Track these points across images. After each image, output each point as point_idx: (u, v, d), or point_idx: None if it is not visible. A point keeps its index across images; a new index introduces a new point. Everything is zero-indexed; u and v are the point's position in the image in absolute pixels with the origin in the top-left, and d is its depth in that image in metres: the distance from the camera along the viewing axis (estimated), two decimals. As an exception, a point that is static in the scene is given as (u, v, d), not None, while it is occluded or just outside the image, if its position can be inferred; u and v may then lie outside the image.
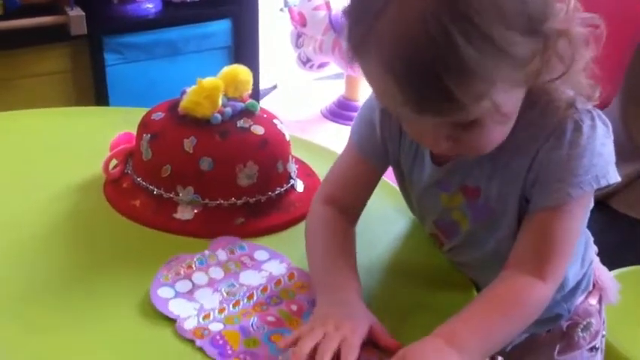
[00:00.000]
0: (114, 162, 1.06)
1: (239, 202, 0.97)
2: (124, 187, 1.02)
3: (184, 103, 1.00)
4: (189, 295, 0.82)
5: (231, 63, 2.48)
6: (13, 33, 2.04)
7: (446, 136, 0.71)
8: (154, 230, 0.95)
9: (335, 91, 3.00)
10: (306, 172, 1.09)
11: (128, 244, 0.93)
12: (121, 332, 0.77)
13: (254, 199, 0.98)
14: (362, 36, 0.67)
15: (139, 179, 1.00)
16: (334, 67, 2.86)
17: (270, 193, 0.99)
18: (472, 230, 0.85)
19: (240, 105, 1.03)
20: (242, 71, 1.07)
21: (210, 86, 1.01)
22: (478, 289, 0.88)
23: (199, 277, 0.85)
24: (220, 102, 1.01)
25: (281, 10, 3.56)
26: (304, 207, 0.99)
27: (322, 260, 0.82)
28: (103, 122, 1.25)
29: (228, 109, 1.01)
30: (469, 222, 0.84)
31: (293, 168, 1.05)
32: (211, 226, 0.95)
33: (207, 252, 0.89)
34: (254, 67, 2.34)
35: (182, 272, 0.85)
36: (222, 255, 0.89)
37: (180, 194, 0.97)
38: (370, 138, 0.87)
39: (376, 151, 0.87)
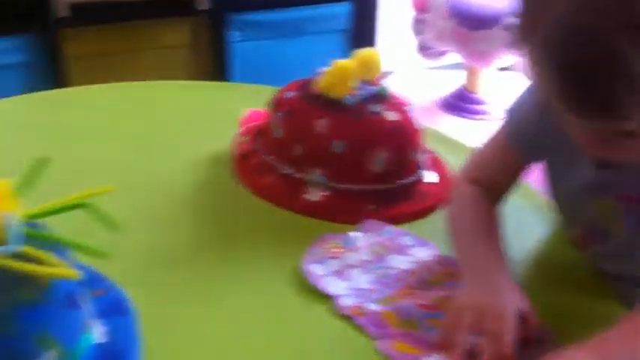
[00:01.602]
0: (243, 138, 1.08)
1: (369, 187, 0.97)
2: (253, 164, 1.03)
3: (320, 83, 1.00)
4: (339, 274, 0.83)
5: (348, 46, 2.50)
6: (141, 4, 2.11)
7: (601, 140, 0.69)
8: (280, 209, 0.96)
9: (453, 81, 2.95)
10: (435, 163, 1.08)
11: (257, 220, 0.95)
12: (267, 306, 0.79)
13: (385, 186, 0.97)
14: (532, 22, 0.65)
15: (268, 157, 1.02)
16: (454, 55, 2.82)
17: (400, 180, 0.99)
18: (626, 240, 0.82)
19: (372, 88, 1.02)
20: (375, 54, 1.06)
21: (344, 67, 1.01)
22: (618, 297, 0.85)
23: (349, 258, 0.86)
24: (353, 84, 1.01)
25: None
26: (435, 198, 0.98)
27: (470, 238, 0.83)
28: (231, 98, 1.28)
29: (362, 92, 1.01)
30: (624, 231, 0.81)
31: (423, 157, 1.04)
32: (340, 210, 0.95)
33: (353, 233, 0.89)
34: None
35: (331, 252, 0.86)
36: (369, 238, 0.89)
37: (309, 175, 0.97)
38: (525, 128, 0.85)
39: (529, 143, 0.85)
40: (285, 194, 0.98)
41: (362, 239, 0.89)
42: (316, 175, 0.97)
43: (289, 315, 0.78)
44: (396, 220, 0.94)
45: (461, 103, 2.81)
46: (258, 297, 0.80)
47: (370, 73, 1.05)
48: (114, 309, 0.73)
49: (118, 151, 1.08)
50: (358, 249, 0.87)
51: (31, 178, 0.65)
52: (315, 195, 0.97)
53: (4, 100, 1.24)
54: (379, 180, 0.97)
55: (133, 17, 2.14)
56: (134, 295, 0.75)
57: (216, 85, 1.45)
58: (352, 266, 0.84)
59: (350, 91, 1.00)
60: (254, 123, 1.09)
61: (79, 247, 0.63)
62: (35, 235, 0.61)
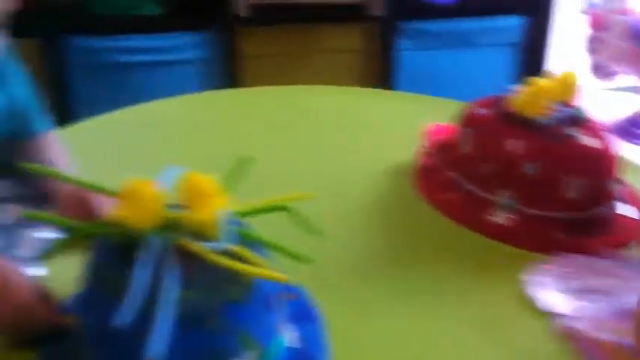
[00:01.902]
0: (426, 151, 1.06)
1: (561, 215, 0.92)
2: (435, 179, 1.01)
3: (514, 101, 0.97)
4: (571, 293, 0.80)
5: (517, 61, 2.43)
6: (317, 8, 2.15)
7: None
8: (463, 227, 0.94)
9: (627, 105, 2.80)
10: (630, 194, 1.02)
11: (438, 236, 0.93)
12: (451, 321, 0.77)
13: (577, 214, 0.93)
14: None
15: (452, 173, 0.99)
16: (629, 78, 2.67)
17: (594, 210, 0.94)
18: None
19: (568, 110, 0.98)
20: (573, 75, 1.02)
21: (542, 87, 0.97)
22: None
23: (583, 280, 0.83)
24: (549, 105, 0.97)
25: (582, 12, 3.39)
26: (631, 232, 0.93)
27: None
28: (412, 108, 1.27)
29: (557, 114, 0.96)
30: None
31: (618, 187, 0.98)
32: (528, 236, 0.91)
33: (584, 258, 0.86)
34: (541, 68, 2.26)
35: (562, 272, 0.83)
36: (594, 264, 0.86)
37: (497, 196, 0.94)
38: None
39: None
40: (468, 213, 0.95)
41: (589, 265, 0.85)
42: (504, 196, 0.94)
43: (502, 330, 0.76)
44: (587, 253, 0.89)
45: (635, 130, 2.66)
46: (441, 311, 0.79)
47: (567, 95, 1.00)
48: (303, 314, 0.73)
49: (299, 155, 1.09)
50: (587, 274, 0.83)
51: (234, 176, 0.66)
52: (501, 217, 0.94)
53: (187, 96, 1.30)
54: (572, 207, 0.92)
55: (308, 20, 2.18)
56: (320, 302, 0.75)
57: (395, 95, 1.44)
58: (584, 290, 0.80)
59: (545, 112, 0.96)
60: (438, 137, 1.07)
61: (282, 250, 0.63)
62: (244, 235, 0.62)
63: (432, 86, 2.00)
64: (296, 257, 0.62)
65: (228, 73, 2.18)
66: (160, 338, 0.55)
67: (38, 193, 0.95)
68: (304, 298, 0.75)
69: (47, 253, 0.73)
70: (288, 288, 0.74)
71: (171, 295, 0.57)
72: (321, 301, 0.75)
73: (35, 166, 0.84)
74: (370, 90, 1.44)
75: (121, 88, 2.13)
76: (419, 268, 0.86)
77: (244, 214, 0.65)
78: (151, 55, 2.12)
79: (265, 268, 0.59)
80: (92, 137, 1.12)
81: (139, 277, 0.57)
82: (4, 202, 0.94)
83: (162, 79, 2.15)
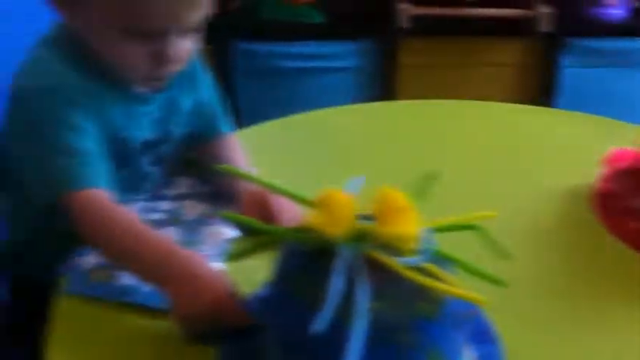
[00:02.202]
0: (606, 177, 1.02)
1: None
2: (617, 206, 0.97)
3: None
4: None
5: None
6: (479, 21, 2.12)
7: None
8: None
9: None
10: None
11: (621, 266, 0.89)
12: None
13: None
14: None
15: (637, 202, 0.95)
16: None
17: None
18: None
19: None
20: None
21: None
22: None
23: None
24: None
25: None
26: None
27: None
28: (584, 129, 1.23)
29: None
30: None
31: None
32: None
33: None
34: None
35: None
36: None
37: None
38: None
39: None
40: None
41: None
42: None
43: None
44: None
45: None
46: (621, 336, 0.77)
47: None
48: (482, 335, 0.73)
49: (471, 173, 1.08)
50: None
51: (421, 191, 0.66)
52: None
53: (358, 105, 1.32)
54: None
55: (469, 33, 2.15)
56: (498, 322, 0.74)
57: (565, 114, 1.39)
58: None
59: None
60: (620, 162, 1.02)
61: (475, 271, 0.63)
62: (436, 252, 0.62)
63: (595, 106, 1.92)
64: (491, 280, 0.61)
65: (383, 82, 2.19)
66: (355, 348, 0.55)
67: (217, 191, 1.00)
68: (482, 319, 0.74)
69: (237, 253, 0.75)
70: (469, 307, 0.74)
71: (364, 305, 0.57)
72: (499, 321, 0.74)
73: (228, 167, 0.88)
74: (541, 108, 1.40)
75: (281, 93, 2.19)
76: (599, 293, 0.84)
77: (434, 231, 0.65)
78: (309, 62, 2.17)
79: (457, 287, 0.59)
80: (267, 140, 1.16)
81: (335, 285, 0.58)
82: (185, 199, 0.99)
83: (318, 86, 2.20)
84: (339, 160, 1.10)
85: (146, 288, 0.80)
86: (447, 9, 2.10)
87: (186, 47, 0.87)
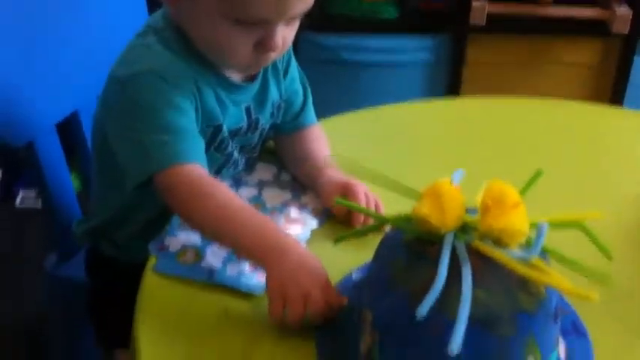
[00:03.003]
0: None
1: None
2: None
3: None
4: None
5: None
6: (553, 20, 2.10)
7: None
8: None
9: None
10: None
11: None
12: None
13: None
14: None
15: None
16: None
17: None
18: None
19: None
20: None
21: None
22: None
23: None
24: None
25: None
26: None
27: None
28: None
29: None
30: None
31: None
32: None
33: None
34: None
35: None
36: None
37: None
38: None
39: None
40: None
41: None
42: None
43: None
44: None
45: None
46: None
47: None
48: (573, 329, 0.73)
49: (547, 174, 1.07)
50: None
51: (527, 188, 0.67)
52: None
53: (435, 101, 1.32)
54: None
55: (542, 31, 2.14)
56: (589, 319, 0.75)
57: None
58: None
59: None
60: None
61: (579, 267, 0.63)
62: (543, 247, 0.63)
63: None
64: (596, 276, 0.62)
65: (451, 78, 2.19)
66: (459, 335, 0.57)
67: (296, 179, 1.02)
68: (573, 314, 0.75)
69: (343, 235, 0.77)
70: (564, 302, 0.75)
71: (468, 292, 0.58)
72: (591, 318, 0.75)
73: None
74: (614, 109, 1.39)
75: (345, 86, 2.21)
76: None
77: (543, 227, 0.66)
78: (377, 55, 2.17)
79: (563, 282, 0.60)
80: (345, 132, 1.17)
81: (441, 274, 0.59)
82: (266, 187, 1.01)
83: (382, 80, 2.20)
84: (414, 156, 1.12)
85: (233, 270, 0.83)
86: (523, 6, 2.09)
87: (289, 36, 0.90)
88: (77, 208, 1.22)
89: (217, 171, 0.99)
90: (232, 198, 0.85)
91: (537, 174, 0.68)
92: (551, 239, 0.63)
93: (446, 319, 0.58)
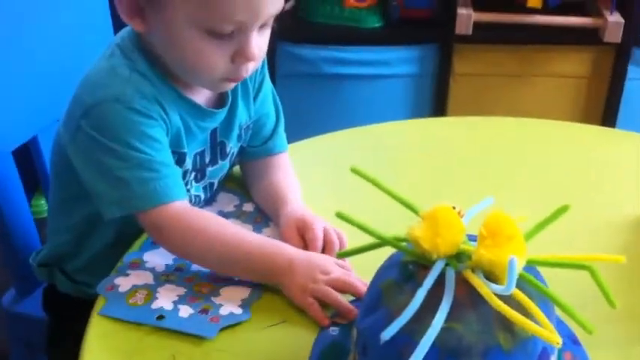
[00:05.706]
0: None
1: None
2: None
3: None
4: None
5: None
6: (542, 29, 2.09)
7: None
8: None
9: None
10: None
11: None
12: None
13: None
14: None
15: None
16: None
17: None
18: None
19: None
20: None
21: None
22: None
23: None
24: None
25: None
26: None
27: None
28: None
29: None
30: None
31: None
32: None
33: None
34: None
35: None
36: None
37: None
38: None
39: None
40: None
41: None
42: None
43: None
44: None
45: None
46: None
47: None
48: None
49: (527, 197, 1.05)
50: None
51: (545, 222, 0.66)
52: None
53: (419, 120, 1.30)
54: None
55: (531, 41, 2.13)
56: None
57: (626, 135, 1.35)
58: None
59: None
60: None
61: (570, 312, 0.61)
62: (535, 285, 0.61)
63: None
64: (580, 324, 0.60)
65: (437, 91, 2.18)
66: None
67: (259, 210, 1.01)
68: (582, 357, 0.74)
69: (346, 251, 0.82)
70: (568, 346, 0.72)
71: (439, 322, 0.58)
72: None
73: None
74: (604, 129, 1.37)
75: (326, 101, 2.18)
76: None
77: (538, 264, 0.65)
78: (358, 68, 2.15)
79: (545, 327, 0.58)
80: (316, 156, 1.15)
81: (417, 299, 0.59)
82: (228, 218, 0.98)
83: (368, 94, 2.18)
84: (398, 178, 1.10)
85: (184, 312, 0.81)
86: (510, 15, 2.08)
87: (263, 46, 0.89)
88: (37, 239, 1.19)
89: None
90: (224, 225, 0.88)
91: (563, 208, 0.66)
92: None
93: (417, 345, 0.58)
